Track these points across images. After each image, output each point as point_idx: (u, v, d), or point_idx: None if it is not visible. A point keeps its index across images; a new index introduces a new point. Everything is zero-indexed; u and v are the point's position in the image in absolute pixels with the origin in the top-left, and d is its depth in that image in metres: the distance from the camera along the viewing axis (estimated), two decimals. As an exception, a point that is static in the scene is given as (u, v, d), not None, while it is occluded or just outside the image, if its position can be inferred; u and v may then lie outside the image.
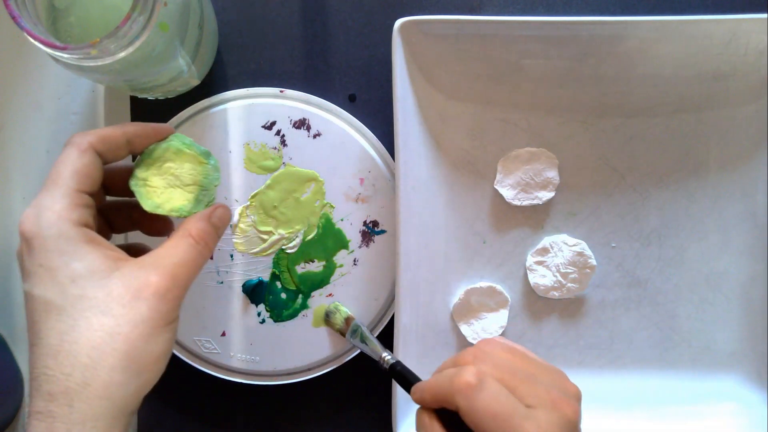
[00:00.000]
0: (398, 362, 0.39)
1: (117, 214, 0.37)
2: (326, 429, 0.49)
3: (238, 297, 0.47)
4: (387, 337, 0.45)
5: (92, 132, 0.32)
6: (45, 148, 0.49)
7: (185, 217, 0.35)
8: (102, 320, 0.28)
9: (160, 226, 0.38)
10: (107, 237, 0.37)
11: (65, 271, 0.29)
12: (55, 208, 0.30)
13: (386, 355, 0.40)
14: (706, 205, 0.48)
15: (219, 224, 0.34)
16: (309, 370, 0.47)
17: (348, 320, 0.45)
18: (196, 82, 0.46)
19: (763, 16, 0.43)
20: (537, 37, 0.43)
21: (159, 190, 0.35)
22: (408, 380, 0.37)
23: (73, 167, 0.31)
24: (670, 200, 0.47)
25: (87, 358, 0.28)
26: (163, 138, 0.35)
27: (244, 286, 0.47)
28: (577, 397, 0.32)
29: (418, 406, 0.33)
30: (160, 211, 0.35)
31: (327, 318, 0.46)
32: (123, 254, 0.31)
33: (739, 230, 0.47)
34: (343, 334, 0.45)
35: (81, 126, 0.49)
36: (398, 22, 0.42)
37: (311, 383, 0.47)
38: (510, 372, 0.31)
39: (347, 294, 0.47)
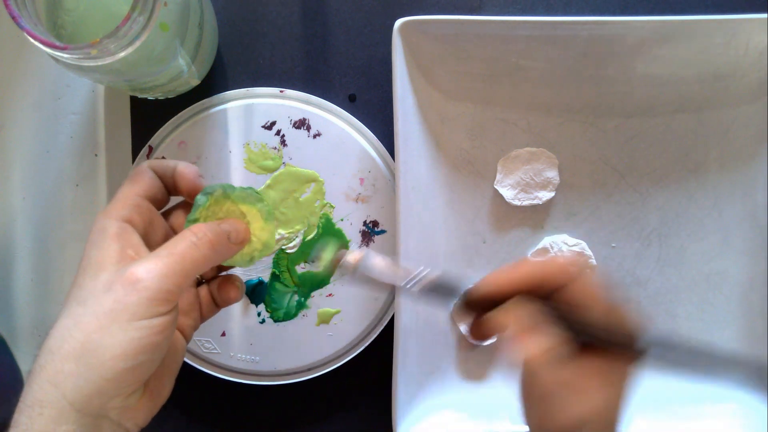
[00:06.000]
0: (442, 274, 0.32)
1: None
2: (326, 429, 0.49)
3: (238, 297, 0.47)
4: (387, 337, 0.45)
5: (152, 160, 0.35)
6: (45, 148, 0.49)
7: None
8: (77, 309, 0.28)
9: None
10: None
11: (84, 261, 0.30)
12: (108, 207, 0.32)
13: (422, 270, 0.32)
14: (706, 205, 0.48)
15: (230, 229, 0.32)
16: (309, 370, 0.47)
17: (339, 257, 0.34)
18: (196, 82, 0.46)
19: (763, 16, 0.43)
20: (537, 37, 0.43)
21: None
22: (455, 289, 0.32)
23: (129, 176, 0.33)
24: (670, 200, 0.47)
25: (53, 343, 0.28)
26: (188, 190, 0.34)
27: (244, 286, 0.47)
28: None
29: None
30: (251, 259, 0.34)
31: (314, 262, 0.35)
32: (143, 251, 0.31)
33: (739, 230, 0.47)
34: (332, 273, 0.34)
35: (81, 126, 0.49)
36: (398, 22, 0.42)
37: (311, 383, 0.47)
38: None
39: (347, 294, 0.47)
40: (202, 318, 0.36)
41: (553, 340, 0.30)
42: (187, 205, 0.36)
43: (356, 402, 0.49)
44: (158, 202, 0.34)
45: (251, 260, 0.35)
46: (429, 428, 0.44)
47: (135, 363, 0.28)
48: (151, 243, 0.33)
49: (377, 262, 0.33)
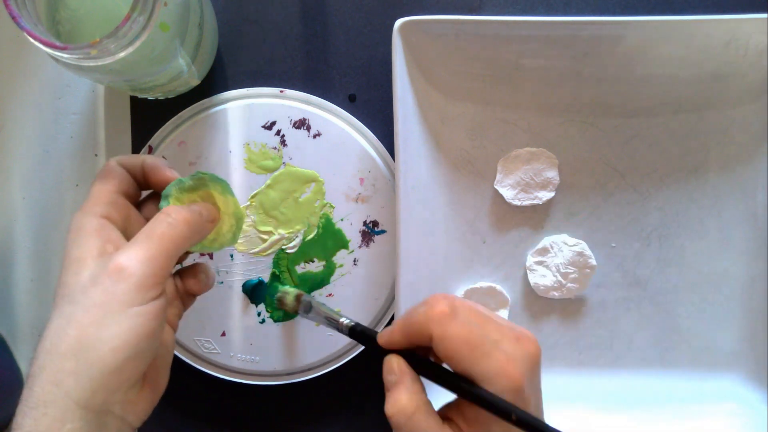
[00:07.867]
0: (357, 323, 0.36)
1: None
2: (326, 429, 0.49)
3: (238, 297, 0.47)
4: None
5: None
6: (45, 148, 0.49)
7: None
8: (67, 308, 0.28)
9: None
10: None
11: (65, 260, 0.30)
12: (83, 205, 0.32)
13: (344, 320, 0.37)
14: (706, 205, 0.48)
15: (200, 209, 0.33)
16: (309, 370, 0.47)
17: (298, 298, 0.41)
18: (196, 82, 0.46)
19: (763, 16, 0.43)
20: (537, 37, 0.43)
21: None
22: (370, 336, 0.34)
23: (99, 173, 0.34)
24: (670, 200, 0.47)
25: (49, 344, 0.28)
26: (160, 182, 0.35)
27: (244, 286, 0.47)
28: (535, 340, 0.31)
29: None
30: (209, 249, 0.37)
31: (280, 304, 0.42)
32: (122, 245, 0.31)
33: (739, 230, 0.47)
34: (296, 312, 0.42)
35: (81, 126, 0.49)
36: (398, 22, 0.42)
37: (311, 383, 0.47)
38: (475, 310, 0.31)
39: (347, 294, 0.47)
40: (184, 306, 0.36)
41: (414, 396, 0.30)
42: (158, 197, 0.36)
43: (356, 402, 0.48)
44: (131, 198, 0.34)
45: (233, 237, 0.36)
46: (429, 428, 0.44)
47: (134, 352, 0.28)
48: (131, 237, 0.33)
49: (315, 306, 0.40)
